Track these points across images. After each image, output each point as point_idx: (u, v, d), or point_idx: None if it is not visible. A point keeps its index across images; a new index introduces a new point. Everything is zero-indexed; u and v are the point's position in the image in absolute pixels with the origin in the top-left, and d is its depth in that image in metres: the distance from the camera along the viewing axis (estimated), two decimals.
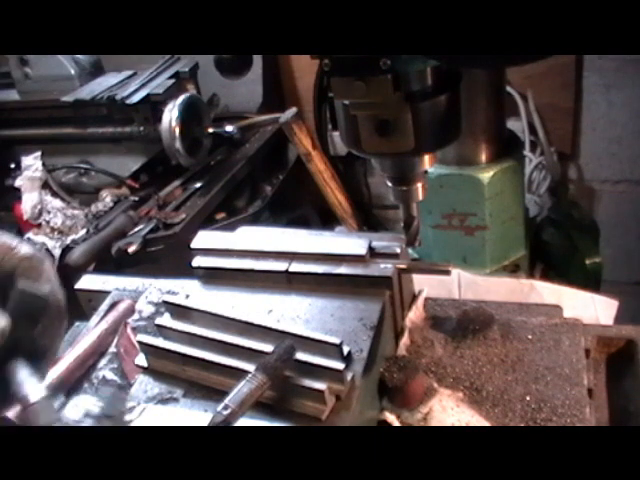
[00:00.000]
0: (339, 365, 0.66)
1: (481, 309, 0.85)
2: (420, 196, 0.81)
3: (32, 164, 1.79)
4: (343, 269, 0.79)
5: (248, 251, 0.84)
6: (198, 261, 0.85)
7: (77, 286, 1.06)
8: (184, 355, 0.73)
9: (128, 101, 1.77)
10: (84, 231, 1.66)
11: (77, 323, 0.98)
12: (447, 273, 0.79)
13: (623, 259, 1.94)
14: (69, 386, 0.83)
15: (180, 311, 0.78)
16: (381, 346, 0.74)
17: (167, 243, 1.60)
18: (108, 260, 1.56)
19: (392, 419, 0.74)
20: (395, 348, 0.81)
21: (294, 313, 0.77)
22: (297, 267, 0.80)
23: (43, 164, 1.80)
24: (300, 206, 2.21)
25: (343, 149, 2.01)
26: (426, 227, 1.17)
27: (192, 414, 0.70)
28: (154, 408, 0.72)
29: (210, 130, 1.88)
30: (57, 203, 1.76)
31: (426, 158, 0.77)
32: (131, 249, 1.54)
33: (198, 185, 1.80)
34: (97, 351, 0.88)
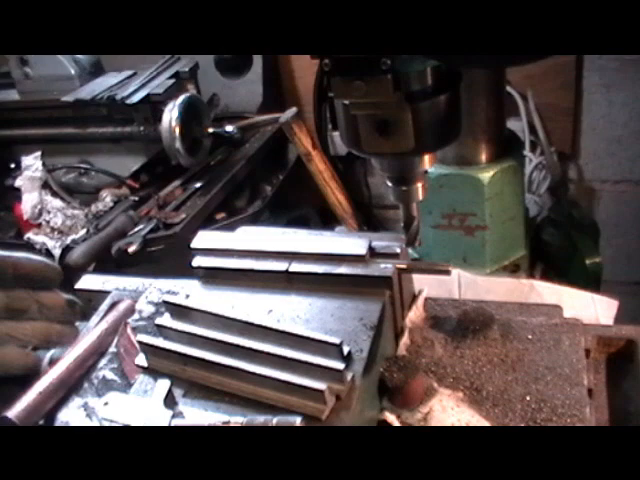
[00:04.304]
0: (339, 365, 0.66)
1: (481, 309, 0.85)
2: (420, 196, 0.81)
3: (32, 164, 1.79)
4: (343, 269, 0.79)
5: (248, 251, 0.84)
6: (198, 261, 0.85)
7: (77, 286, 1.06)
8: (184, 355, 0.73)
9: (128, 101, 1.77)
10: (84, 231, 1.66)
11: (77, 323, 0.98)
12: (447, 273, 0.79)
13: (623, 259, 1.94)
14: (69, 386, 0.83)
15: (180, 311, 0.78)
16: (381, 346, 0.74)
17: (167, 243, 1.60)
18: (108, 260, 1.56)
19: (392, 419, 0.74)
20: (395, 348, 0.81)
21: (294, 313, 0.77)
22: (297, 267, 0.80)
23: (43, 164, 1.80)
24: (300, 206, 2.22)
25: (343, 149, 2.01)
26: (426, 227, 1.17)
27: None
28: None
29: (210, 130, 1.88)
30: (57, 203, 1.76)
31: (426, 158, 0.77)
32: (131, 249, 1.54)
33: (198, 185, 1.80)
34: (97, 351, 0.88)
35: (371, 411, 0.74)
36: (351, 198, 2.07)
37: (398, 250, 0.80)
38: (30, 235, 1.68)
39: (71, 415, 0.79)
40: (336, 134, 1.97)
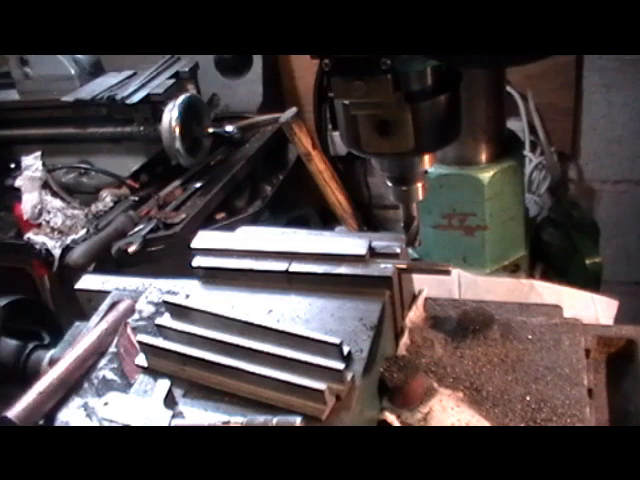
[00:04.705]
0: (339, 365, 0.66)
1: (481, 309, 0.85)
2: (420, 196, 0.81)
3: (32, 164, 1.78)
4: (343, 269, 0.79)
5: (248, 251, 0.84)
6: (198, 261, 0.85)
7: (77, 286, 1.06)
8: (184, 355, 0.73)
9: (128, 101, 1.77)
10: (84, 231, 1.66)
11: (77, 323, 0.98)
12: (447, 273, 0.79)
13: (623, 259, 1.94)
14: (69, 386, 0.83)
15: (180, 311, 0.78)
16: (381, 346, 0.74)
17: (167, 243, 1.60)
18: (108, 260, 1.56)
19: (392, 419, 0.74)
20: (395, 348, 0.81)
21: (294, 313, 0.77)
22: (297, 267, 0.80)
23: (43, 164, 1.80)
24: (300, 206, 2.22)
25: (343, 149, 2.01)
26: (426, 227, 1.17)
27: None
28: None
29: (210, 130, 1.88)
30: (57, 203, 1.76)
31: (426, 158, 0.77)
32: (131, 249, 1.54)
33: (198, 185, 1.80)
34: (97, 351, 0.88)
35: (371, 411, 0.74)
36: (351, 198, 2.07)
37: (398, 250, 0.80)
38: (30, 235, 1.68)
39: (71, 415, 0.79)
40: (336, 134, 1.97)
